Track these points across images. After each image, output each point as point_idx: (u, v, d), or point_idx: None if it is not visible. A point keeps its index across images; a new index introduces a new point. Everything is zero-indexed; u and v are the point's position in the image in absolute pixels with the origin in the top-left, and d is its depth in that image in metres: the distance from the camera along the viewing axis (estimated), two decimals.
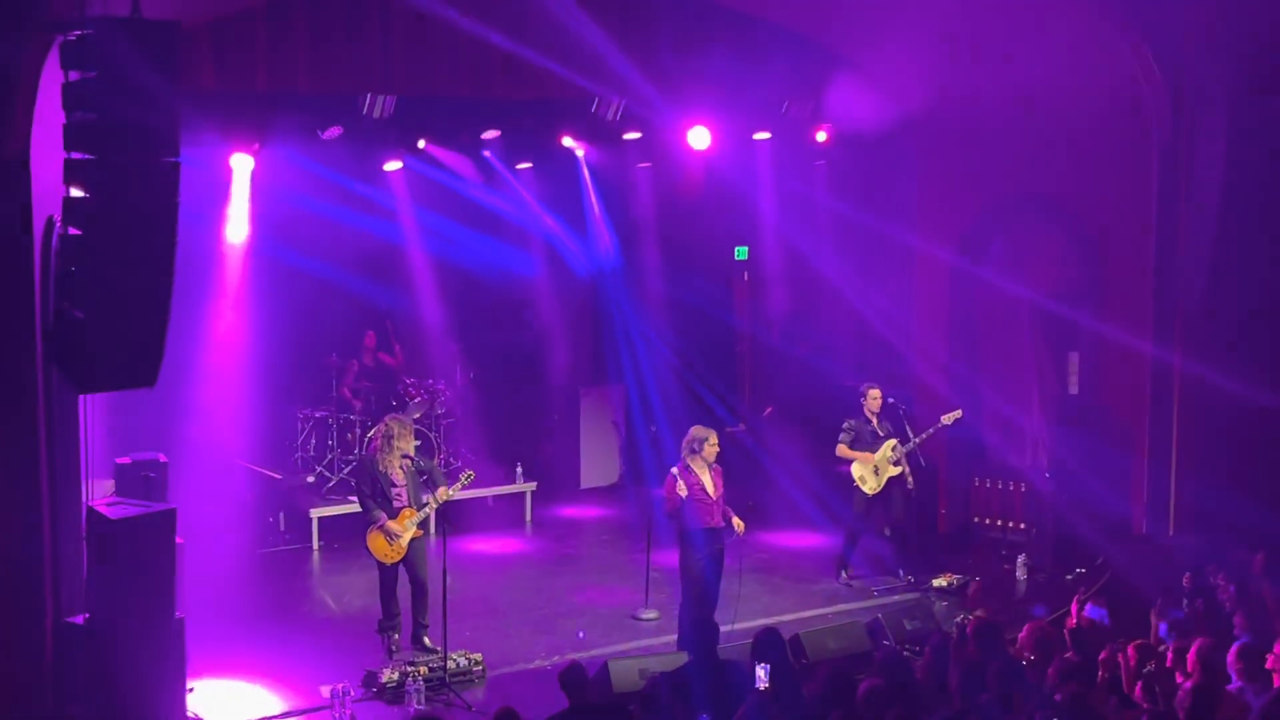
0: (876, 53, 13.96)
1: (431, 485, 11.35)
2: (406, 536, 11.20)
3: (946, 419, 13.12)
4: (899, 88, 14.34)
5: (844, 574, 13.21)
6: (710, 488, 11.14)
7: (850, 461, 13.18)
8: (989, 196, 14.28)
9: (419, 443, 12.15)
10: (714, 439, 11.20)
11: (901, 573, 13.12)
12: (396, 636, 11.36)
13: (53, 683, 9.19)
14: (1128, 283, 13.29)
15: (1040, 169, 13.79)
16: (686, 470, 11.17)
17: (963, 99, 14.01)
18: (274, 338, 15.59)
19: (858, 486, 13.12)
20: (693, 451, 11.17)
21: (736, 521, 11.19)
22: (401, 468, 11.27)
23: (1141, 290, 13.12)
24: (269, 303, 15.53)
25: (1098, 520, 13.22)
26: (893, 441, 13.08)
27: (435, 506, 11.25)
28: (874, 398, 13.18)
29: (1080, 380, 13.99)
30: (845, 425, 13.23)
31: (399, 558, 11.27)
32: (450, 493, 11.40)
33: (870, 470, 13.07)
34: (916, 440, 13.01)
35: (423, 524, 11.35)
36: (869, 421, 13.18)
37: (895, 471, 13.06)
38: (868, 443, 13.13)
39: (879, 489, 13.09)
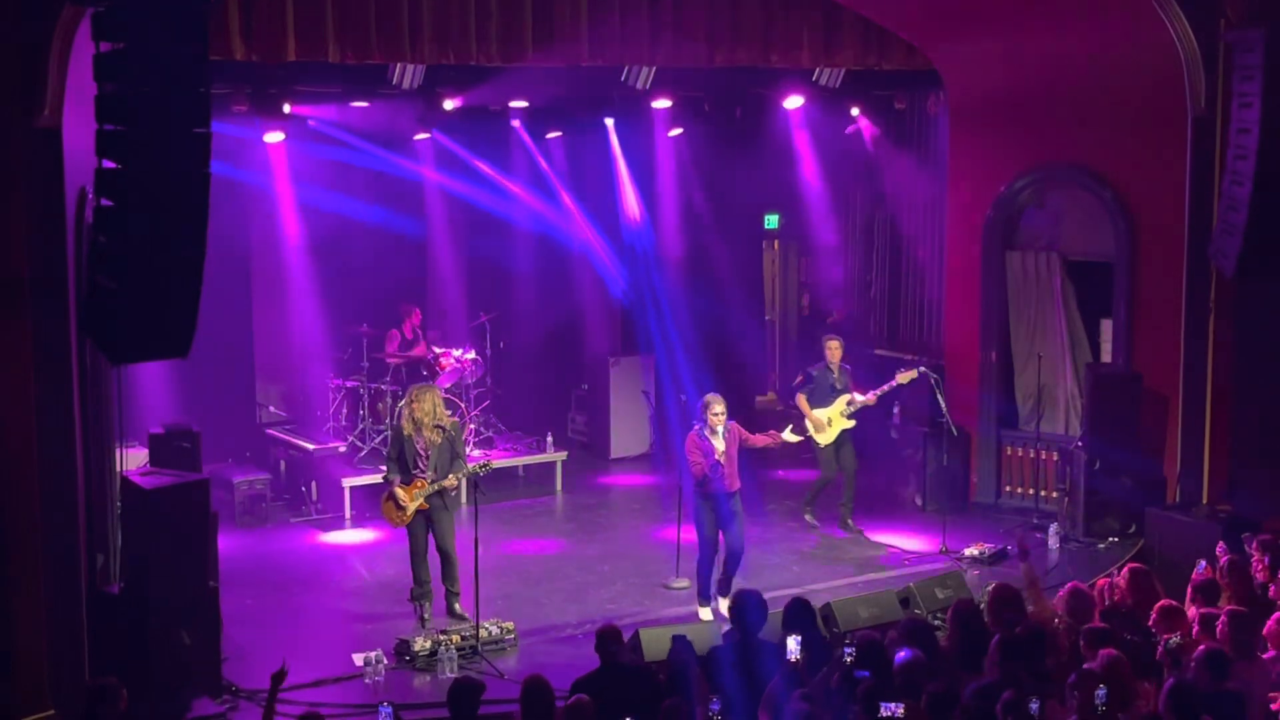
0: (910, 20, 13.89)
1: (449, 461, 11.35)
2: (412, 507, 11.21)
3: (903, 377, 13.48)
4: (932, 54, 14.27)
5: (807, 515, 13.86)
6: (721, 453, 11.26)
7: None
8: (1022, 163, 14.16)
9: (452, 413, 12.16)
10: (718, 406, 11.34)
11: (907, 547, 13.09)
12: (428, 604, 11.41)
13: (89, 652, 9.28)
14: (1161, 250, 13.18)
15: (1074, 135, 13.68)
16: (700, 436, 11.33)
17: (995, 65, 13.91)
18: (304, 308, 15.66)
19: (812, 437, 13.52)
20: (701, 419, 11.38)
21: (788, 434, 11.86)
22: (430, 438, 11.28)
23: (1175, 257, 13.00)
24: (299, 273, 15.59)
25: (1131, 489, 13.16)
26: (849, 395, 13.47)
27: (437, 487, 11.19)
28: (833, 349, 13.61)
29: (1114, 347, 13.91)
30: (808, 373, 13.72)
31: (404, 524, 11.34)
32: (456, 479, 11.37)
33: (824, 421, 13.48)
34: (876, 394, 13.43)
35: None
36: (830, 373, 13.55)
37: (849, 424, 13.52)
38: (826, 394, 13.52)
39: (832, 440, 13.51)
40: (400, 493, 11.21)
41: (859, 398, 13.42)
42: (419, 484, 11.22)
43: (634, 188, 16.51)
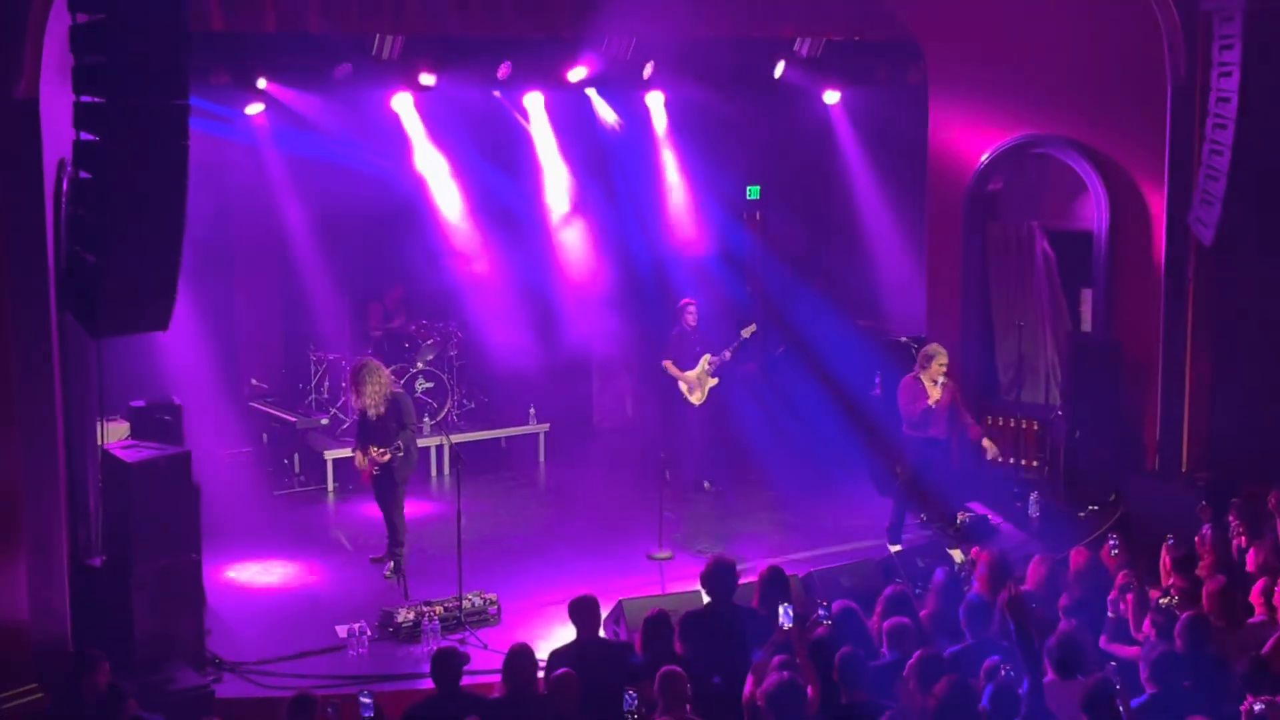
0: None
1: (389, 432, 11.62)
2: (364, 468, 11.79)
3: (745, 332, 14.16)
4: (914, 25, 14.26)
5: (667, 474, 14.10)
6: (934, 400, 12.05)
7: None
8: (1003, 134, 14.15)
9: (398, 390, 12.29)
10: (943, 357, 12.12)
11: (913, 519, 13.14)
12: (401, 558, 11.72)
13: (71, 625, 9.28)
14: (1141, 219, 13.21)
15: (1054, 105, 13.67)
16: (915, 381, 12.16)
17: (975, 36, 13.90)
18: (287, 280, 15.61)
19: (684, 398, 14.08)
20: (923, 367, 12.15)
21: (988, 443, 12.36)
22: (378, 409, 11.64)
23: (1155, 226, 13.05)
24: (282, 246, 15.53)
25: (1111, 457, 13.22)
26: (707, 355, 14.06)
27: (375, 456, 11.61)
28: (691, 311, 14.28)
29: (1093, 317, 13.95)
30: (670, 338, 14.28)
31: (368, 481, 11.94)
32: (383, 453, 11.62)
33: (696, 382, 14.05)
34: (730, 351, 14.00)
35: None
36: (689, 336, 14.16)
37: (714, 383, 14.12)
38: (689, 356, 14.11)
39: (705, 399, 14.11)
40: (358, 454, 11.82)
41: (717, 357, 14.03)
42: (370, 451, 11.71)
43: (615, 156, 16.44)
